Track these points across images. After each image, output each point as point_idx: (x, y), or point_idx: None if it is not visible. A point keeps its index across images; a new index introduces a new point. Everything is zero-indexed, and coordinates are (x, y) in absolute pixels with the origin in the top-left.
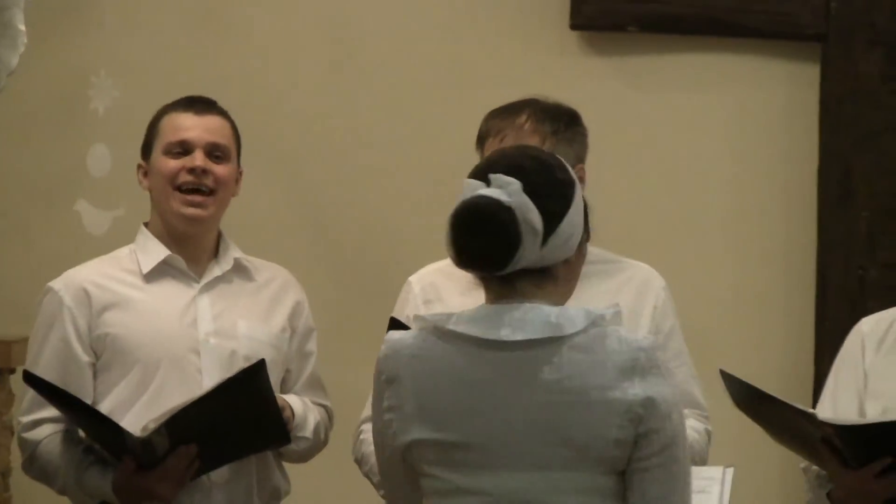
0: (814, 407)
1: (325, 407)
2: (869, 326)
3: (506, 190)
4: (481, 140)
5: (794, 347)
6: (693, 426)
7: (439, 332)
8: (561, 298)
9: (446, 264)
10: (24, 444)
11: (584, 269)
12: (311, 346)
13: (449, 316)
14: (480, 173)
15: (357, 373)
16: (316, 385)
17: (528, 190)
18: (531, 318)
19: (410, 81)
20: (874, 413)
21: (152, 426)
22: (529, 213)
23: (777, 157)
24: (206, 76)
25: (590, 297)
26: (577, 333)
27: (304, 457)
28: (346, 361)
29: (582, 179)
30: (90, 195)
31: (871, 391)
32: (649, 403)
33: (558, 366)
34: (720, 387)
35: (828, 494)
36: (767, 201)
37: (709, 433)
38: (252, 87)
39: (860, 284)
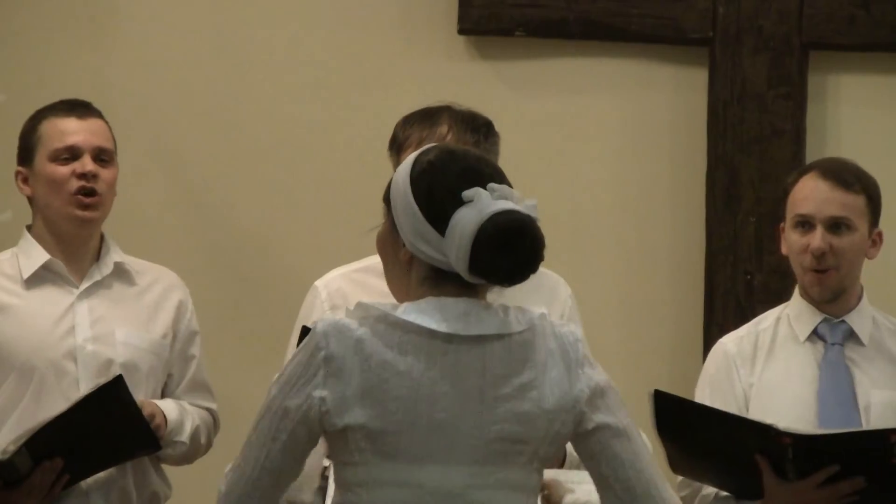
0: None
1: (209, 410)
2: (734, 346)
3: (524, 205)
4: (399, 148)
5: (684, 350)
6: None
7: (387, 320)
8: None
9: (352, 270)
10: None
11: None
12: (194, 349)
13: (395, 306)
14: (477, 178)
15: (242, 374)
16: (199, 388)
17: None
18: (480, 314)
19: (299, 83)
20: None
21: (12, 448)
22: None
23: (665, 160)
24: (90, 79)
25: (506, 301)
26: (523, 331)
27: (183, 460)
28: (230, 363)
29: None
30: None
31: (756, 408)
32: (591, 402)
33: (508, 361)
34: None
35: None
36: (656, 205)
37: None
38: (134, 89)
39: (747, 289)
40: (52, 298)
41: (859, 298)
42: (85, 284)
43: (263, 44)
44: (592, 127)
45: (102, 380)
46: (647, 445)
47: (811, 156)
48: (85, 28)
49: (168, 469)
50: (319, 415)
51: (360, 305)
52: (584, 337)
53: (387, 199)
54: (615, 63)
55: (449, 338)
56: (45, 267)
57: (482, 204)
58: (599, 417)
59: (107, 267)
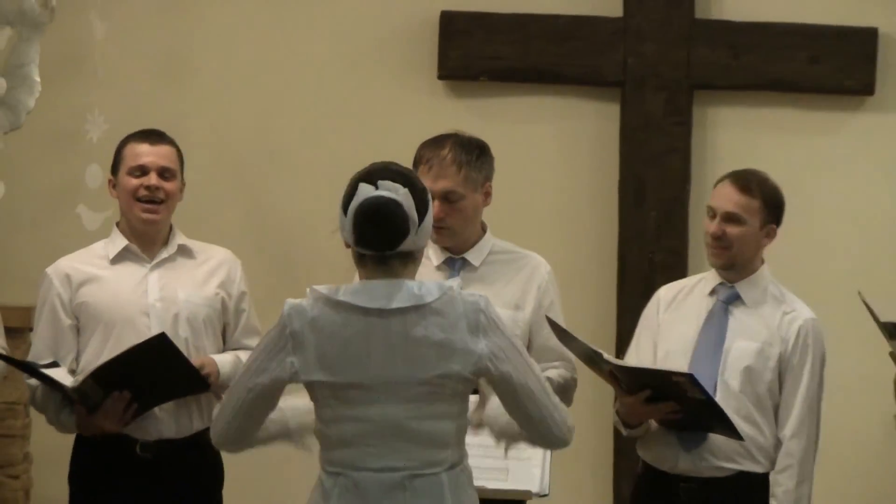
0: (623, 352)
1: None
2: (664, 292)
3: (396, 193)
4: (416, 164)
5: (602, 311)
6: (562, 374)
7: (330, 301)
8: (413, 276)
9: None
10: (29, 387)
11: (492, 257)
12: (244, 305)
13: (337, 288)
14: (369, 179)
15: None
16: (251, 332)
17: (411, 193)
18: (398, 291)
19: (323, 115)
20: (661, 355)
21: (80, 378)
22: (411, 210)
23: (589, 172)
24: (172, 111)
25: (496, 277)
26: (434, 301)
27: None
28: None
29: (488, 193)
30: (88, 201)
31: (660, 339)
32: (493, 356)
33: (423, 325)
34: None
35: (616, 412)
36: (582, 204)
37: (574, 380)
38: (202, 115)
39: (650, 265)
40: (131, 272)
41: (754, 272)
42: (155, 261)
43: (296, 86)
44: (537, 147)
45: (183, 322)
46: (540, 380)
47: (696, 168)
48: (166, 72)
49: None
50: (291, 374)
51: (312, 290)
52: (489, 303)
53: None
54: (554, 100)
55: (378, 311)
56: (125, 249)
57: (360, 194)
58: (503, 367)
59: (172, 248)
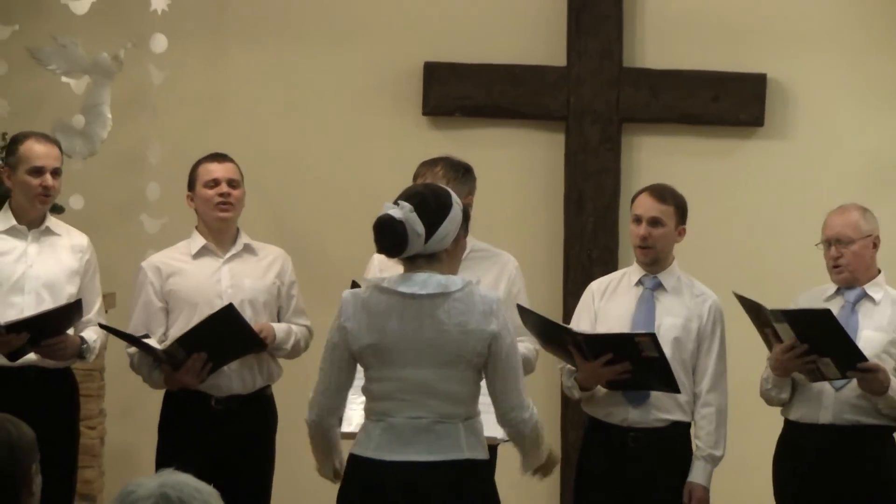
0: None
1: (306, 326)
2: (596, 285)
3: (402, 210)
4: (414, 178)
5: (552, 296)
6: (528, 347)
7: (378, 288)
8: (449, 271)
9: None
10: (128, 355)
11: (471, 254)
12: (293, 291)
13: (383, 279)
14: (396, 198)
15: (311, 312)
16: (299, 313)
17: (418, 210)
18: (430, 281)
19: (333, 146)
20: (602, 332)
21: (168, 343)
22: (415, 224)
23: (540, 186)
24: (214, 141)
25: (475, 270)
26: (457, 290)
27: (292, 356)
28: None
29: (469, 204)
30: (148, 211)
31: (599, 321)
32: (497, 336)
33: (447, 309)
34: None
35: (575, 378)
36: (535, 212)
37: (537, 351)
38: (240, 146)
39: (588, 259)
40: (208, 264)
41: (670, 265)
42: (226, 255)
43: (312, 122)
44: (500, 167)
45: (248, 304)
46: (519, 366)
47: (624, 184)
48: (209, 110)
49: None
50: (347, 340)
51: (364, 280)
52: (501, 300)
53: None
54: (512, 131)
55: (412, 296)
56: (204, 247)
57: (382, 210)
58: (501, 345)
59: (239, 246)
